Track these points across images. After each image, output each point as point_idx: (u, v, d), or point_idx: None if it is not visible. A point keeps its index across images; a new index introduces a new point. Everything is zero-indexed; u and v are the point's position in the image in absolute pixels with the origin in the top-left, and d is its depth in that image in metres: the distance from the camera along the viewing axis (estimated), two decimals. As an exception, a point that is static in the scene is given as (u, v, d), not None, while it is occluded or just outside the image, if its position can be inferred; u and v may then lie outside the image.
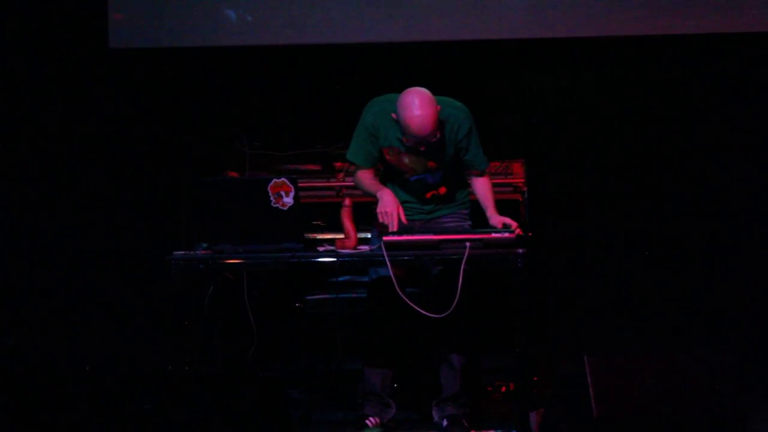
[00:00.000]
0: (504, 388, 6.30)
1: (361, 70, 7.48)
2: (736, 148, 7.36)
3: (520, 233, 5.39)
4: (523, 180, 6.67)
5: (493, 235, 5.27)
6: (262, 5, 7.50)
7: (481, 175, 5.69)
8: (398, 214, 5.39)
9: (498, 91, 7.39)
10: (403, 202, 5.65)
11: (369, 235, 5.72)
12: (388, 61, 7.43)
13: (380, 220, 5.43)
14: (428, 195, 5.70)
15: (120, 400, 4.86)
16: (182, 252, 5.41)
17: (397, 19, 7.40)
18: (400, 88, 5.49)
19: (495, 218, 5.54)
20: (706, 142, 7.38)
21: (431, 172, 5.63)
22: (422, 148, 5.41)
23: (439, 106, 5.37)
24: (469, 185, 5.78)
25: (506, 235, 5.27)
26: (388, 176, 5.78)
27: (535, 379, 6.23)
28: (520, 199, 6.54)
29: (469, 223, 5.76)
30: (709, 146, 7.38)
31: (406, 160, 5.59)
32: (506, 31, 7.38)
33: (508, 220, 5.45)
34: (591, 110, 7.48)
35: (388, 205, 5.42)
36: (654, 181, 7.41)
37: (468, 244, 5.20)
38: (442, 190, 5.71)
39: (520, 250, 5.22)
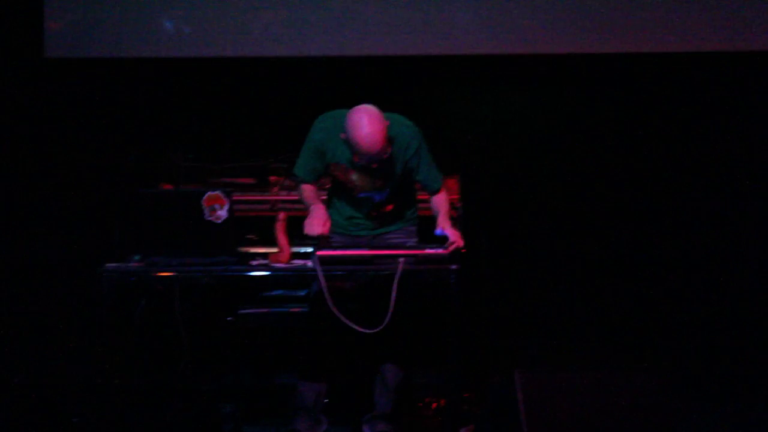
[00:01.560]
0: (435, 404, 6.30)
1: (297, 84, 7.47)
2: (672, 160, 7.45)
3: (460, 245, 5.40)
4: (457, 196, 6.68)
5: (427, 251, 5.29)
6: (200, 17, 7.48)
7: (436, 193, 5.69)
8: (320, 234, 5.40)
9: (432, 107, 7.41)
10: (349, 218, 5.69)
11: (303, 250, 5.71)
12: (323, 76, 7.43)
13: (305, 231, 5.43)
14: (374, 212, 5.70)
15: (49, 413, 4.82)
16: (114, 264, 5.37)
17: (333, 34, 7.41)
18: (335, 103, 5.49)
19: (442, 224, 5.54)
20: (640, 156, 7.45)
21: (379, 189, 5.63)
22: (374, 166, 5.40)
23: (387, 122, 5.36)
24: (416, 203, 5.78)
25: (440, 251, 5.28)
26: (335, 191, 5.78)
27: (466, 395, 6.23)
28: (455, 215, 6.55)
29: (416, 239, 5.73)
30: (642, 160, 7.45)
31: (354, 177, 5.58)
32: (440, 47, 7.41)
33: (450, 232, 5.45)
34: (525, 126, 7.54)
35: (314, 225, 5.43)
36: (587, 197, 7.46)
37: (401, 259, 5.21)
38: (389, 207, 5.71)
39: (454, 266, 5.23)
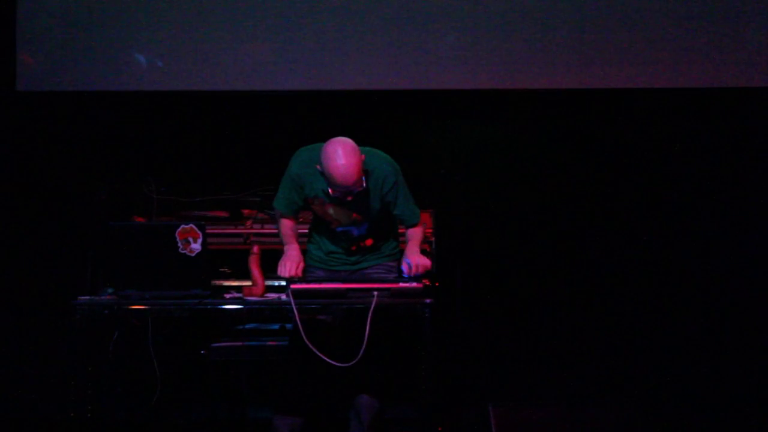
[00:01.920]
0: (409, 437, 6.30)
1: (272, 118, 7.48)
2: (645, 193, 7.50)
3: (423, 269, 5.41)
4: (431, 230, 6.70)
5: (401, 284, 5.29)
6: (173, 51, 7.48)
7: (414, 227, 5.71)
8: (291, 276, 5.42)
9: (407, 142, 7.43)
10: (329, 252, 5.71)
11: (277, 283, 5.71)
12: (299, 110, 7.45)
13: (278, 272, 5.46)
14: (354, 247, 5.70)
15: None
16: (87, 297, 5.36)
17: (309, 68, 7.42)
18: (311, 137, 5.51)
19: (408, 251, 5.56)
20: (614, 190, 7.50)
21: (356, 224, 5.64)
22: (349, 198, 5.40)
23: (363, 156, 5.38)
24: (397, 237, 5.79)
25: (414, 284, 5.28)
26: (316, 225, 5.79)
27: (440, 429, 6.22)
28: (428, 249, 6.56)
29: (395, 274, 5.72)
30: (615, 194, 7.50)
31: (331, 210, 5.60)
32: (414, 82, 7.43)
33: (413, 259, 5.47)
34: (499, 161, 7.56)
35: (286, 267, 5.47)
36: (559, 232, 7.49)
37: (375, 293, 5.22)
38: (369, 241, 5.72)
39: (428, 300, 5.24)
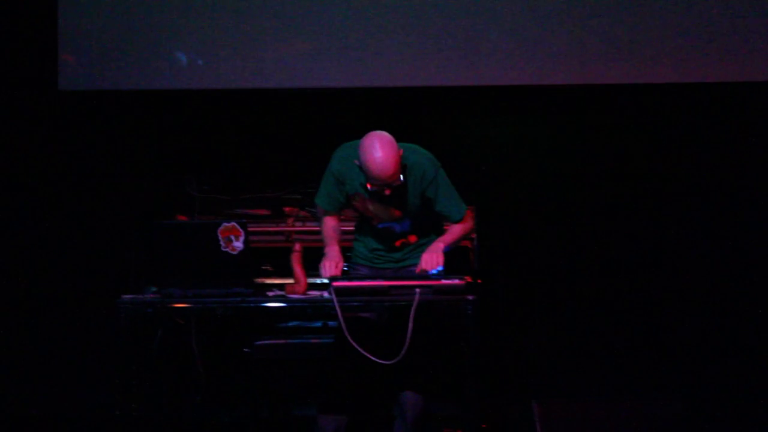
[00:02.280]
0: (452, 435, 6.30)
1: (313, 115, 7.49)
2: (685, 193, 7.45)
3: (432, 268, 5.38)
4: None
5: (443, 281, 5.27)
6: (214, 49, 7.49)
7: (458, 223, 5.65)
8: (332, 276, 5.42)
9: (448, 138, 7.42)
10: (373, 250, 5.72)
11: (319, 281, 5.70)
12: (340, 107, 7.45)
13: (320, 273, 5.48)
14: (397, 243, 5.70)
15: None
16: (130, 296, 5.37)
17: (350, 65, 7.42)
18: (351, 134, 5.51)
19: (430, 248, 5.53)
20: (659, 185, 7.45)
21: (397, 220, 5.63)
22: (387, 192, 5.40)
23: (401, 150, 5.38)
24: (442, 234, 5.73)
25: (456, 281, 5.26)
26: (360, 223, 5.80)
27: (484, 426, 6.21)
28: (470, 246, 6.55)
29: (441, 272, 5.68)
30: (661, 189, 7.45)
31: (371, 207, 5.60)
32: (456, 78, 7.42)
33: (425, 256, 5.45)
34: (540, 157, 7.53)
35: (326, 267, 5.49)
36: (603, 227, 7.46)
37: (418, 290, 5.20)
38: (412, 238, 5.71)
39: (470, 297, 5.22)
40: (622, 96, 7.44)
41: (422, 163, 5.54)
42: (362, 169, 5.38)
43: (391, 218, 5.62)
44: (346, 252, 5.76)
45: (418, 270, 5.46)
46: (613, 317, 7.36)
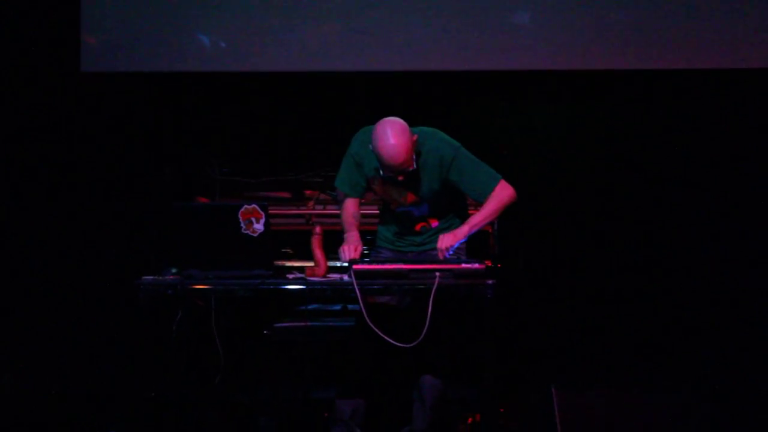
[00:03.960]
0: (471, 419, 6.29)
1: (334, 99, 7.48)
2: (701, 176, 7.42)
3: (444, 248, 5.38)
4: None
5: (463, 265, 5.26)
6: (236, 32, 7.50)
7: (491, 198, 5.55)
8: (350, 259, 5.41)
9: (467, 123, 7.40)
10: (396, 233, 5.74)
11: (339, 264, 5.71)
12: (360, 91, 7.44)
13: (341, 258, 5.49)
14: (417, 227, 5.70)
15: (86, 424, 4.83)
16: (151, 277, 5.38)
17: (370, 48, 7.42)
18: (372, 118, 5.50)
19: (460, 228, 5.50)
20: (679, 172, 7.43)
21: (415, 204, 5.63)
22: (400, 178, 5.41)
23: (415, 136, 5.38)
24: (466, 218, 5.71)
25: (476, 265, 5.25)
26: (384, 207, 5.83)
27: (502, 410, 6.22)
28: (490, 231, 6.54)
29: (464, 255, 5.65)
30: (682, 175, 7.43)
31: (388, 191, 5.61)
32: (477, 63, 7.41)
33: (444, 242, 5.42)
34: (562, 141, 7.52)
35: (345, 251, 5.50)
36: (624, 213, 7.44)
37: (438, 274, 5.20)
38: (434, 222, 5.71)
39: (490, 281, 5.21)
40: (644, 81, 7.42)
41: (439, 147, 5.52)
42: (375, 155, 5.39)
43: (407, 203, 5.61)
44: (365, 236, 5.76)
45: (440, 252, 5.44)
46: (635, 304, 7.35)
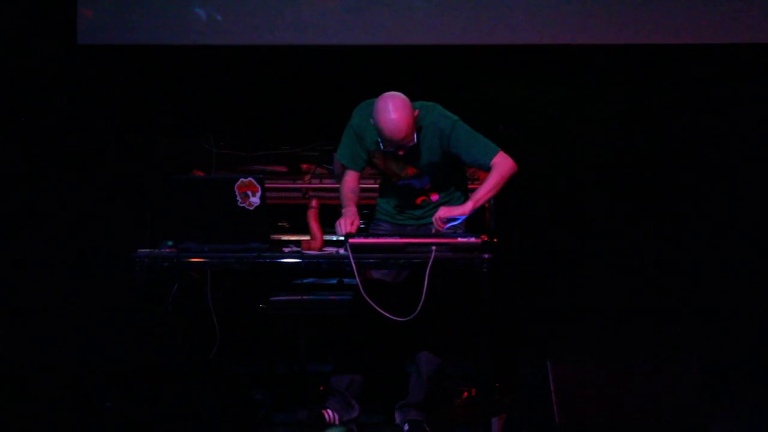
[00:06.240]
0: (466, 393, 6.30)
1: (329, 72, 7.47)
2: (706, 155, 7.42)
3: (443, 219, 5.38)
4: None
5: (459, 239, 5.26)
6: (232, 5, 7.48)
7: (489, 170, 5.57)
8: (346, 233, 5.40)
9: (464, 98, 7.39)
10: (396, 206, 5.76)
11: (335, 237, 5.70)
12: (356, 65, 7.43)
13: (337, 231, 5.48)
14: (418, 200, 5.71)
15: (82, 397, 4.83)
16: (147, 250, 5.38)
17: (367, 22, 7.40)
18: (370, 92, 5.50)
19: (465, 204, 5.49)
20: (676, 150, 7.43)
21: (416, 177, 5.63)
22: (400, 152, 5.41)
23: (416, 111, 5.38)
24: (466, 192, 5.73)
25: (472, 239, 5.25)
26: (384, 180, 5.83)
27: (498, 384, 6.23)
28: (487, 206, 6.53)
29: (462, 229, 5.63)
30: (679, 154, 7.43)
31: (389, 164, 5.60)
32: (473, 37, 7.40)
33: (441, 212, 5.43)
34: (558, 118, 7.51)
35: (341, 225, 5.49)
36: (622, 188, 7.44)
37: (434, 248, 5.20)
38: (434, 196, 5.72)
39: (486, 255, 5.21)
40: (644, 56, 7.41)
41: (437, 121, 5.54)
42: (376, 129, 5.40)
43: (408, 175, 5.61)
44: (363, 210, 5.76)
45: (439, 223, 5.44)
46: (630, 278, 7.36)
